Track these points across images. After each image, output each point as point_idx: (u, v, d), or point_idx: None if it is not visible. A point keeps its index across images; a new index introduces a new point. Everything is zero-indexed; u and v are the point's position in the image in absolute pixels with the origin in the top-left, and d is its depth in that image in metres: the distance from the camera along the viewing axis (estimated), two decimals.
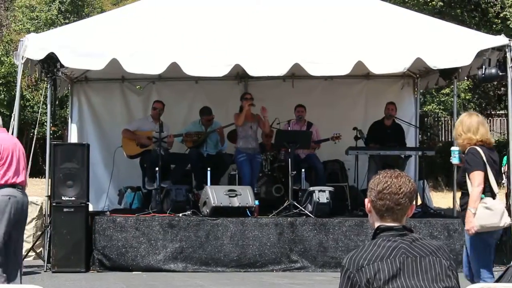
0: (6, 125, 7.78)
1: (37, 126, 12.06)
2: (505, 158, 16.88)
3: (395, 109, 12.00)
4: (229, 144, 12.10)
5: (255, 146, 11.27)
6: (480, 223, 5.96)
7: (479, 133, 6.19)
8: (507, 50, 9.83)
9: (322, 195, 9.94)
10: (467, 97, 22.39)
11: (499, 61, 10.01)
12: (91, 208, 10.50)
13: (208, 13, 10.60)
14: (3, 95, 21.98)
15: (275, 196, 11.40)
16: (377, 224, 3.09)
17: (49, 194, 9.84)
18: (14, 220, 6.81)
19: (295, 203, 10.23)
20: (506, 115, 24.05)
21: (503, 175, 17.39)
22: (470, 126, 6.22)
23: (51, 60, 9.94)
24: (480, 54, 9.87)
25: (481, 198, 6.06)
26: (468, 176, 6.16)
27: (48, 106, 10.58)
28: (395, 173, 3.10)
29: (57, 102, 12.90)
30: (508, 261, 9.69)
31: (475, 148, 6.15)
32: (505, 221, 6.01)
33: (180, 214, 9.94)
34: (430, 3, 20.11)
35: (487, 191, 6.11)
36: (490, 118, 25.16)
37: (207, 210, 9.85)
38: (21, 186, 6.94)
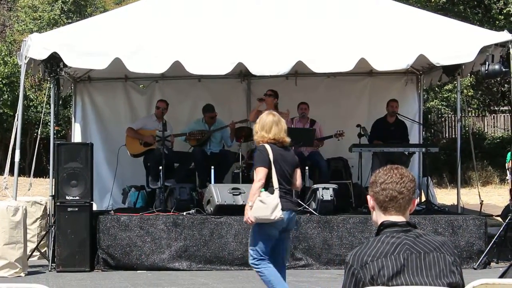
0: (10, 125, 7.79)
1: (40, 126, 12.10)
2: (509, 154, 16.89)
3: (398, 106, 11.98)
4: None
5: None
6: (254, 214, 6.38)
7: (272, 132, 6.52)
8: (510, 46, 9.80)
9: (326, 192, 9.94)
10: (469, 94, 22.36)
11: (502, 57, 9.99)
12: (95, 208, 10.51)
13: (210, 12, 10.61)
14: (6, 95, 22.01)
15: None
16: (380, 220, 3.08)
17: (53, 193, 9.86)
18: None
19: (299, 201, 10.21)
20: (510, 111, 24.12)
21: (507, 171, 17.39)
22: (264, 125, 6.56)
23: (54, 60, 9.94)
24: (484, 50, 9.85)
25: (261, 192, 6.42)
26: (254, 171, 6.55)
27: (52, 106, 10.60)
28: (394, 166, 3.14)
29: (60, 102, 12.89)
30: None
31: (264, 146, 6.50)
32: (276, 214, 6.36)
33: (184, 213, 9.94)
34: (433, 0, 20.09)
35: (270, 186, 6.46)
36: (494, 115, 25.13)
37: (211, 209, 9.85)
38: None
